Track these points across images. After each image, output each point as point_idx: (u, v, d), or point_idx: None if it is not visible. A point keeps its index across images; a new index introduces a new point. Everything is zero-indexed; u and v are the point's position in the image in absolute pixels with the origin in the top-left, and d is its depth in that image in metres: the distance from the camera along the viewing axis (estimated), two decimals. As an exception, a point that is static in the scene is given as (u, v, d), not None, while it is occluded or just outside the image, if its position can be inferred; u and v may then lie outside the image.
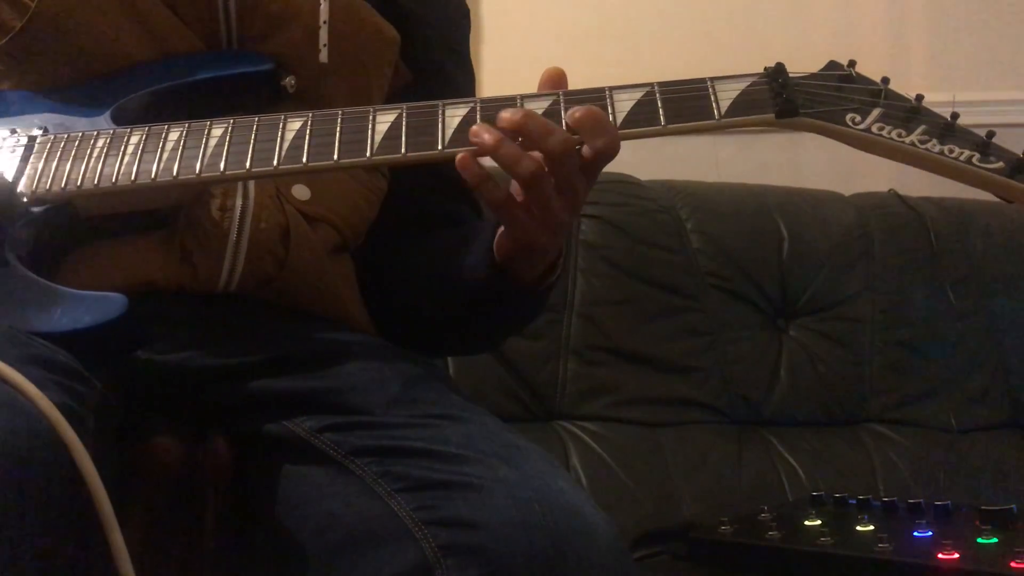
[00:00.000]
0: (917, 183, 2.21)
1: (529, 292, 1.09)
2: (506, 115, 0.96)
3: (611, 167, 2.23)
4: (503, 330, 1.28)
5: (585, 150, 0.97)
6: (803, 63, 1.02)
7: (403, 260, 1.24)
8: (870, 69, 1.02)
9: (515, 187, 0.99)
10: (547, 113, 1.00)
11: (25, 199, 1.05)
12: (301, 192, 1.15)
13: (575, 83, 1.03)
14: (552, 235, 1.02)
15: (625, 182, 2.05)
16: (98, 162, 1.05)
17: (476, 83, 1.38)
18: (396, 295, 1.24)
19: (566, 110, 1.00)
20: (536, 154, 0.96)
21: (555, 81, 1.02)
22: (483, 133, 0.96)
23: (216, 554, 1.08)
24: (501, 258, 1.06)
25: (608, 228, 1.98)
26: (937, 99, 1.02)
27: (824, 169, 2.34)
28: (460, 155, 0.97)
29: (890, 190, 2.19)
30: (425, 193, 1.25)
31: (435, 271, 1.19)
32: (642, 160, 2.13)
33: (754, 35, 2.36)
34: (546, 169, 0.96)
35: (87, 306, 0.98)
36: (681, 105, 1.00)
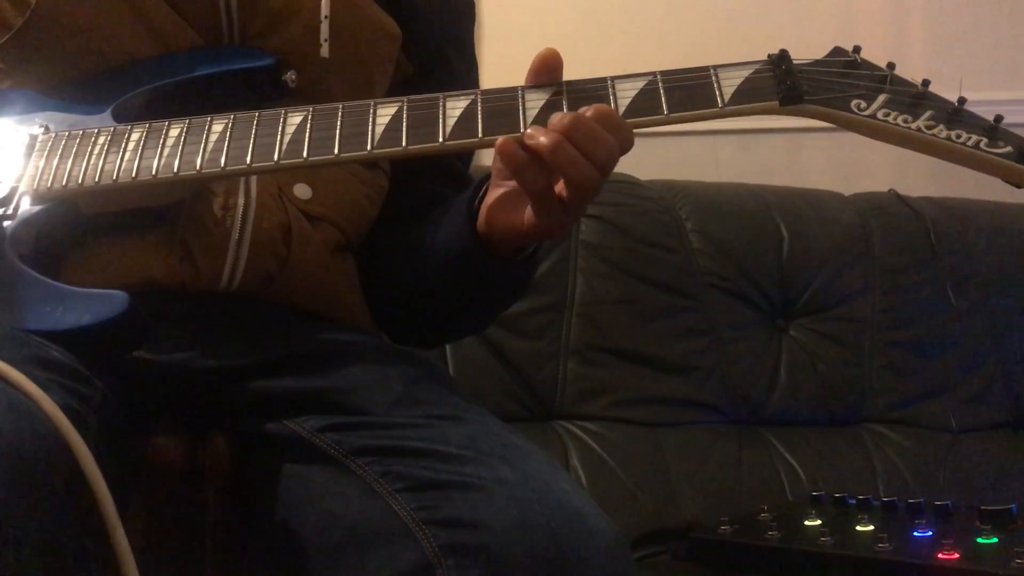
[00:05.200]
0: (917, 183, 2.21)
1: (506, 263, 1.07)
2: (556, 118, 0.95)
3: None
4: (483, 306, 1.23)
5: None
6: (805, 52, 1.00)
7: (388, 248, 1.23)
8: (872, 60, 1.01)
9: (560, 184, 0.96)
10: (548, 105, 0.99)
11: (27, 198, 1.05)
12: (303, 191, 1.15)
13: (576, 77, 1.02)
14: (568, 228, 1.01)
15: (625, 182, 2.05)
16: (99, 159, 1.05)
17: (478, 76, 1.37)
18: (382, 284, 1.22)
19: (568, 102, 0.99)
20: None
21: (549, 64, 1.00)
22: (539, 135, 0.94)
23: (216, 554, 1.08)
24: (484, 229, 1.05)
25: (608, 228, 1.98)
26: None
27: (824, 169, 2.34)
28: (501, 139, 0.95)
29: (890, 190, 2.19)
30: (414, 179, 1.24)
31: (416, 250, 1.17)
32: (642, 160, 2.12)
33: (756, 25, 2.35)
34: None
35: (88, 304, 0.97)
36: (684, 93, 0.98)
